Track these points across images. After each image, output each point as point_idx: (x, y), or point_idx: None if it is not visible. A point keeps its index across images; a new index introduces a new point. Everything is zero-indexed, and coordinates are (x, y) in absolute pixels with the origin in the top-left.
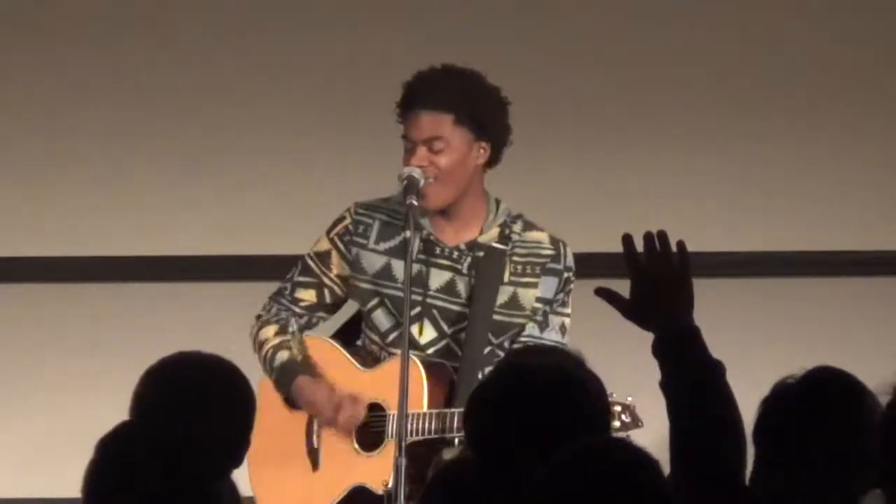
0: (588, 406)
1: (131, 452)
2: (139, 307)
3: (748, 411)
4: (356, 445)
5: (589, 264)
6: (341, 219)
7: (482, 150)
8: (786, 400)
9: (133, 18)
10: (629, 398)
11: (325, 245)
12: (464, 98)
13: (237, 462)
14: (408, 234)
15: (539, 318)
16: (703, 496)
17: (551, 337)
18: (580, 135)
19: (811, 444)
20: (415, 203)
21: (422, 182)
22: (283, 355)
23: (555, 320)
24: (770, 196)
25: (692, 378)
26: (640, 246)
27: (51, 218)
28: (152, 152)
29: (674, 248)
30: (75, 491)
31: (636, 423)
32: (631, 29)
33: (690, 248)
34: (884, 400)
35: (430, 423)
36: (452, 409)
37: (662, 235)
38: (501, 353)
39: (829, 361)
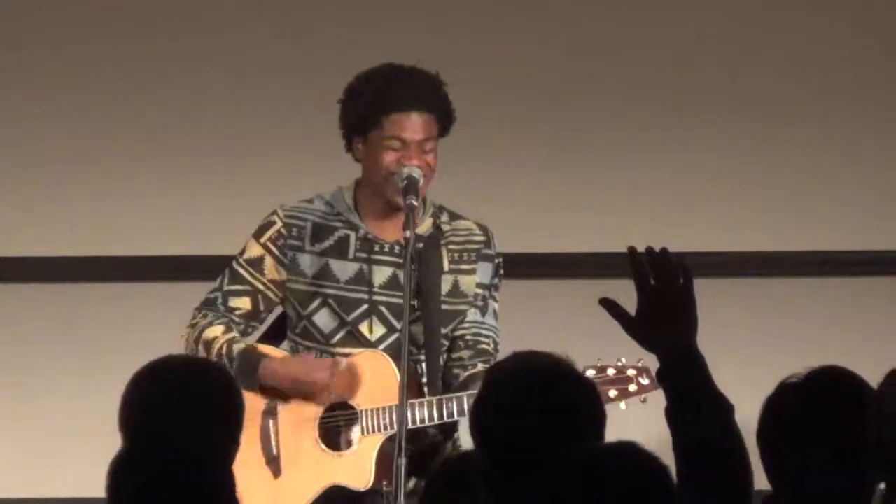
0: (599, 405)
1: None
2: (139, 307)
3: (748, 411)
4: (322, 446)
5: (589, 264)
6: (271, 223)
7: None
8: (789, 399)
9: (132, 19)
10: (641, 361)
11: (257, 251)
12: (443, 100)
13: (229, 462)
14: (407, 234)
15: (479, 303)
16: None
17: (490, 322)
18: (579, 135)
19: (815, 443)
20: (415, 203)
21: (421, 182)
22: (239, 346)
23: (491, 305)
24: (770, 196)
25: (699, 408)
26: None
27: (51, 218)
28: (152, 153)
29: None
30: (75, 491)
31: (654, 384)
32: (630, 29)
33: (690, 248)
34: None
35: (425, 411)
36: (448, 395)
37: (665, 252)
38: (446, 343)
39: (828, 361)
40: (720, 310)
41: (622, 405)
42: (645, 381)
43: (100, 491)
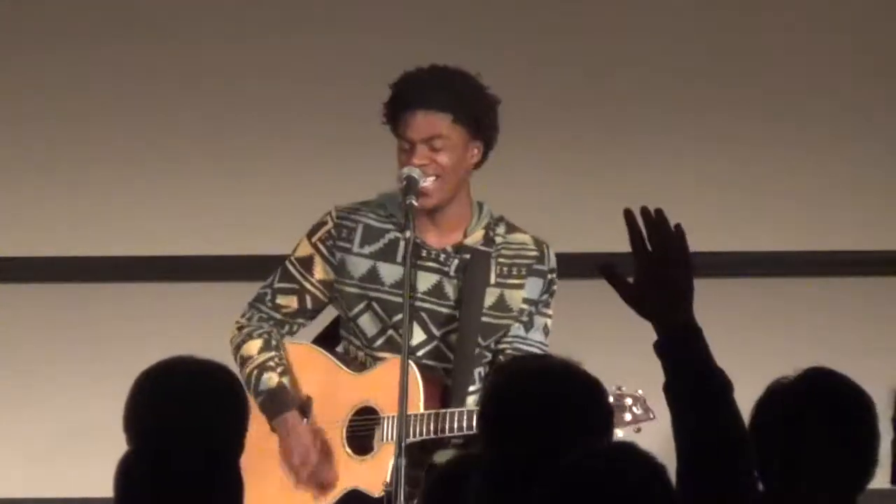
0: (605, 403)
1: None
2: (139, 307)
3: (748, 412)
4: (348, 450)
5: (589, 264)
6: (323, 223)
7: (476, 150)
8: (779, 400)
9: (132, 20)
10: (639, 391)
11: (307, 250)
12: (461, 97)
13: (233, 464)
14: (408, 234)
15: (525, 318)
16: None
17: (535, 338)
18: (578, 135)
19: (805, 444)
20: (415, 203)
21: (421, 182)
22: (269, 378)
23: (539, 321)
24: (770, 196)
25: (698, 383)
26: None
27: (51, 218)
28: (152, 153)
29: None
30: (75, 491)
31: (648, 414)
32: (630, 28)
33: (690, 248)
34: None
35: (429, 424)
36: (451, 410)
37: (660, 213)
38: (489, 355)
39: (828, 361)
40: (720, 310)
41: (619, 433)
42: (639, 411)
43: (100, 491)
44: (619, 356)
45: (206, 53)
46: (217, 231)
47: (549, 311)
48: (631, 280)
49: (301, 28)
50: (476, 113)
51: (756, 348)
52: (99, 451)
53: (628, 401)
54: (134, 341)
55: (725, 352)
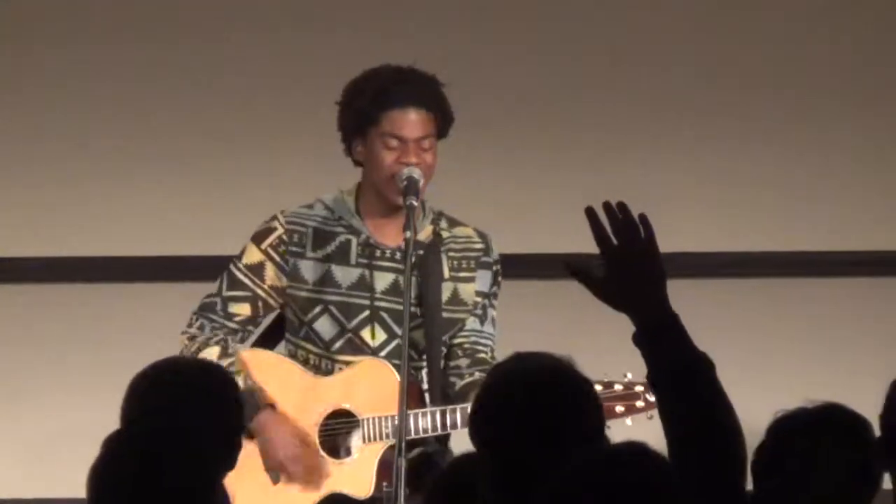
0: (597, 406)
1: (126, 457)
2: (139, 307)
3: (748, 411)
4: (323, 453)
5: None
6: (271, 229)
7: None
8: (788, 438)
9: (132, 19)
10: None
11: (257, 256)
12: (437, 96)
13: (230, 464)
14: (408, 234)
15: (479, 311)
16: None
17: (489, 330)
18: (579, 135)
19: (812, 479)
20: (415, 204)
21: (421, 182)
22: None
23: (490, 313)
24: (769, 196)
25: (680, 370)
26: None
27: (51, 218)
28: (152, 153)
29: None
30: (75, 491)
31: None
32: (629, 27)
33: (690, 248)
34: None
35: (420, 422)
36: (446, 407)
37: (622, 206)
38: (443, 349)
39: (828, 361)
40: (720, 310)
41: (628, 421)
42: (652, 399)
43: None
44: (616, 353)
45: (206, 54)
46: (217, 231)
47: (496, 303)
48: (601, 276)
49: (301, 28)
50: (445, 111)
51: (756, 348)
52: (97, 450)
53: (639, 388)
54: (133, 341)
55: (725, 352)
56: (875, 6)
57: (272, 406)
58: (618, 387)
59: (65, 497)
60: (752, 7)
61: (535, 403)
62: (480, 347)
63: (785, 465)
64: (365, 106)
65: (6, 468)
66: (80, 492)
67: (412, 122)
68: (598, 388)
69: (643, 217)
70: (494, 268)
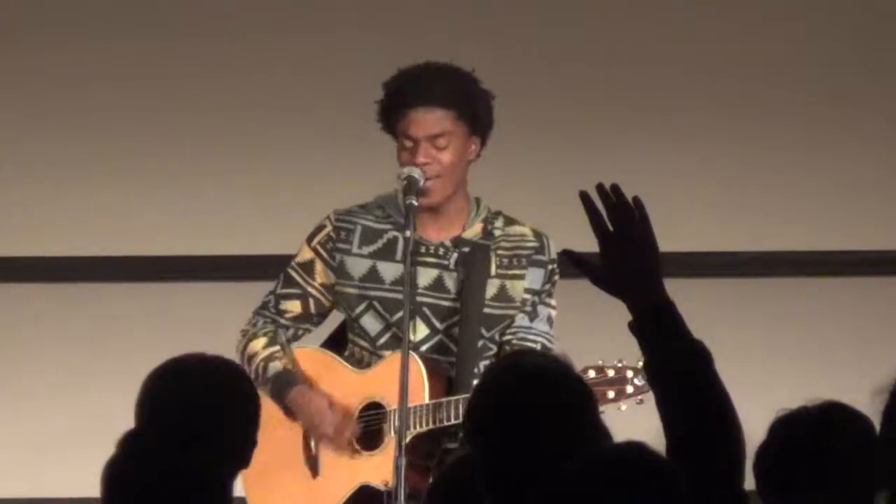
0: (591, 404)
1: (141, 456)
2: (139, 307)
3: (749, 412)
4: (356, 445)
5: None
6: (321, 227)
7: (474, 146)
8: (790, 442)
9: (132, 19)
10: (640, 362)
11: (307, 255)
12: (461, 94)
13: (244, 462)
14: (408, 233)
15: (528, 308)
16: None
17: (540, 327)
18: (579, 134)
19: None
20: (415, 203)
21: (422, 181)
22: (275, 366)
23: (543, 311)
24: (769, 196)
25: (676, 358)
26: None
27: (51, 218)
28: (152, 153)
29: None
30: (75, 491)
31: (648, 385)
32: (629, 27)
33: (690, 248)
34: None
35: (430, 414)
36: (450, 398)
37: (616, 188)
38: (493, 346)
39: (828, 361)
40: (720, 310)
41: (622, 406)
42: (640, 383)
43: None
44: (620, 354)
45: (207, 53)
46: (218, 231)
47: (553, 302)
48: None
49: (301, 27)
50: (475, 109)
51: (755, 348)
52: (97, 450)
53: (629, 373)
54: (133, 341)
55: (725, 352)
56: (875, 6)
57: (307, 385)
58: (610, 372)
59: (65, 497)
60: (753, 7)
61: (529, 403)
62: (529, 344)
63: (791, 474)
64: (386, 108)
65: (6, 468)
66: (81, 492)
67: (421, 120)
68: (591, 373)
69: (637, 199)
70: (549, 267)
